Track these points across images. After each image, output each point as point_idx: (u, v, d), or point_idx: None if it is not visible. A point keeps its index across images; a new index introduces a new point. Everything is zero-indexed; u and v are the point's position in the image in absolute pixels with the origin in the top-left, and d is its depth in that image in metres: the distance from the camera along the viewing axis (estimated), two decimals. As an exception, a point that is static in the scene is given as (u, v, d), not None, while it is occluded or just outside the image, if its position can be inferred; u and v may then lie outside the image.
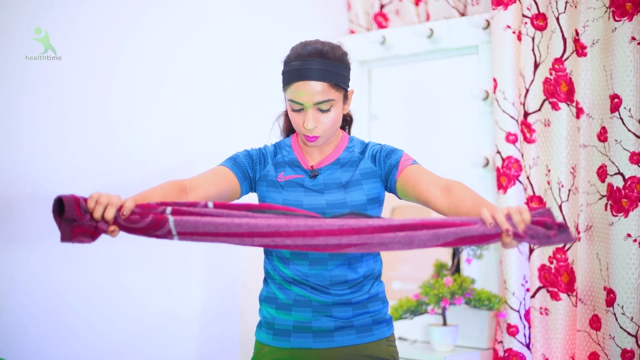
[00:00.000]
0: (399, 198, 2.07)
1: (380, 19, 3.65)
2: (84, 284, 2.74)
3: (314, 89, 1.98)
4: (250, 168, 2.12)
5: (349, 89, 2.10)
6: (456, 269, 3.19)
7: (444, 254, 3.28)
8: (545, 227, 1.57)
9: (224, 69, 3.25)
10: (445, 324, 3.06)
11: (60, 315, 2.68)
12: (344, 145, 2.12)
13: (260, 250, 3.34)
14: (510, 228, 1.59)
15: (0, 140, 2.57)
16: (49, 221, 2.66)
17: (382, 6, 3.65)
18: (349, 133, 2.25)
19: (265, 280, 2.14)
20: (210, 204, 1.72)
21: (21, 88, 2.60)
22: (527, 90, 2.99)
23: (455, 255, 3.18)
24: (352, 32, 3.74)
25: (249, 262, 3.31)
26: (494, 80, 3.05)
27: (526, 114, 3.00)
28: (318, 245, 1.67)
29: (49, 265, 2.66)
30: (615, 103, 2.70)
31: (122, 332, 2.84)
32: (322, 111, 2.01)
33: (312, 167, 2.09)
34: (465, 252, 3.14)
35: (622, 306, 2.66)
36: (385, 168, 2.05)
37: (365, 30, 3.72)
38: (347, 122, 2.24)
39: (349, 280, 2.04)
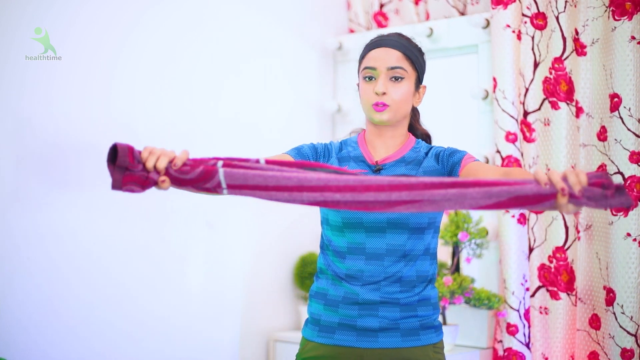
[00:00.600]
0: None
1: (380, 18, 3.65)
2: (82, 285, 2.75)
3: (389, 53, 2.04)
4: (313, 160, 2.11)
5: (422, 84, 2.14)
6: (456, 268, 3.19)
7: (444, 254, 3.28)
8: (603, 188, 1.52)
9: (224, 68, 3.25)
10: (445, 323, 3.06)
11: (59, 315, 2.68)
12: (410, 145, 2.12)
13: (260, 251, 3.35)
14: (566, 187, 1.53)
15: (0, 141, 2.57)
16: (48, 224, 2.68)
17: (381, 5, 3.65)
18: None
19: (317, 275, 2.12)
20: (262, 160, 1.71)
21: (21, 88, 2.60)
22: (527, 90, 2.99)
23: (455, 254, 3.18)
24: (352, 31, 3.74)
25: (248, 263, 3.31)
26: (494, 79, 3.05)
27: (526, 113, 3.00)
28: (367, 201, 1.62)
29: (48, 265, 2.66)
30: (615, 102, 2.70)
31: (120, 332, 2.84)
32: (394, 80, 2.04)
33: (376, 162, 2.08)
34: (465, 252, 3.14)
35: (622, 305, 2.66)
36: (448, 166, 2.05)
37: (365, 29, 3.72)
38: (423, 138, 2.24)
39: (403, 277, 2.01)
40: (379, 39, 2.09)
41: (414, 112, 2.23)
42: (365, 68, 2.06)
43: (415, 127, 2.21)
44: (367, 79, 2.06)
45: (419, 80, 2.12)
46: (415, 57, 2.09)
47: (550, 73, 2.92)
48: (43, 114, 2.66)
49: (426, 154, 2.11)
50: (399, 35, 2.11)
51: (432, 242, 2.08)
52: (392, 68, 2.03)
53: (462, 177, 2.00)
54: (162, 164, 1.65)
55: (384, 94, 2.02)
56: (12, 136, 2.60)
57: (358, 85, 2.13)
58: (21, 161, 2.60)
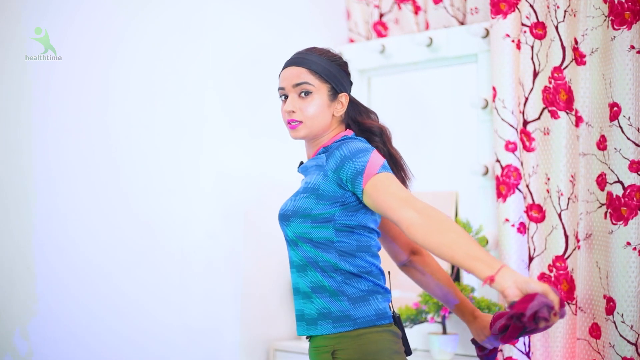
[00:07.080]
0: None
1: (380, 28, 3.66)
2: (84, 292, 2.75)
3: (291, 72, 2.12)
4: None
5: (341, 92, 2.15)
6: (456, 277, 3.18)
7: (444, 263, 3.27)
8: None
9: (222, 77, 3.26)
10: (445, 332, 3.06)
11: (60, 322, 2.68)
12: (315, 154, 2.20)
13: (259, 260, 3.34)
14: None
15: (0, 143, 2.57)
16: (48, 227, 2.68)
17: (381, 15, 3.66)
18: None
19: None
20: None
21: (21, 88, 2.60)
22: (527, 99, 2.99)
23: (455, 263, 3.18)
24: (352, 41, 3.75)
25: (248, 272, 3.31)
26: (493, 88, 3.06)
27: (525, 123, 3.00)
28: None
29: (49, 272, 2.66)
30: (614, 111, 2.71)
31: (122, 340, 2.84)
32: (304, 96, 2.10)
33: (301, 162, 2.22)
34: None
35: (622, 314, 2.66)
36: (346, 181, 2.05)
37: (364, 39, 3.72)
38: (372, 132, 2.20)
39: (300, 288, 2.08)
40: (289, 59, 2.17)
41: (356, 109, 2.21)
42: (279, 89, 2.16)
43: (360, 123, 2.20)
44: (282, 98, 2.15)
45: (335, 90, 2.14)
46: (323, 69, 2.12)
47: (550, 82, 2.93)
48: (43, 115, 2.67)
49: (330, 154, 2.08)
50: (309, 51, 2.16)
51: (319, 257, 2.05)
52: (297, 85, 2.10)
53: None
54: None
55: (293, 112, 2.10)
56: (12, 138, 2.60)
57: None
58: (22, 164, 2.60)
